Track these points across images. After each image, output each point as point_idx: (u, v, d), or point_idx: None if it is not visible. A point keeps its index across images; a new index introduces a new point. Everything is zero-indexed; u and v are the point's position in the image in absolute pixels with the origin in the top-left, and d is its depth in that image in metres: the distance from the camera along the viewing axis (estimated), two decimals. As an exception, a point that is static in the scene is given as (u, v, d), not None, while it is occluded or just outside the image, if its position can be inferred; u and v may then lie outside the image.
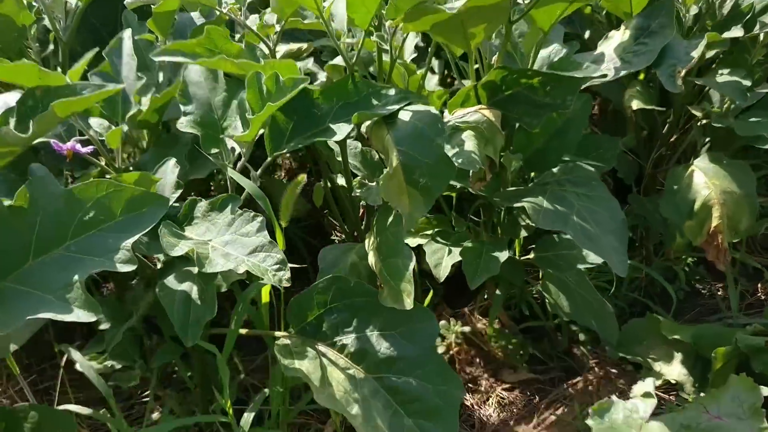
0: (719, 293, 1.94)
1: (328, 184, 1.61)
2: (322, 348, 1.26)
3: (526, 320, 1.87)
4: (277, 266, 1.10)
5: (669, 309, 1.89)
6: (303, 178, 1.20)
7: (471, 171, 1.38)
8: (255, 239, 1.12)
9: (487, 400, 1.75)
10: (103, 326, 1.55)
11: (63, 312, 0.97)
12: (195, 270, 1.17)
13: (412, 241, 1.66)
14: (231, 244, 1.13)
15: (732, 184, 1.59)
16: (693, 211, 1.58)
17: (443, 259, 1.53)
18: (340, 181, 1.58)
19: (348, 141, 1.41)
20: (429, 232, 1.63)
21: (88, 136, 1.21)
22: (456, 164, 1.25)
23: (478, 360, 1.83)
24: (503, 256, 1.47)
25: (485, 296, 1.92)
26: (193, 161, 1.44)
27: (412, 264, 1.17)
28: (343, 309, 1.27)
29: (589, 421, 1.00)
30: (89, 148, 1.20)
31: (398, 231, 1.21)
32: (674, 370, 1.73)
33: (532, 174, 1.54)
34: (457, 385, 1.22)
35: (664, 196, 1.63)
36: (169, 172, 1.27)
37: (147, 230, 1.01)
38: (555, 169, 1.46)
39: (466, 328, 1.80)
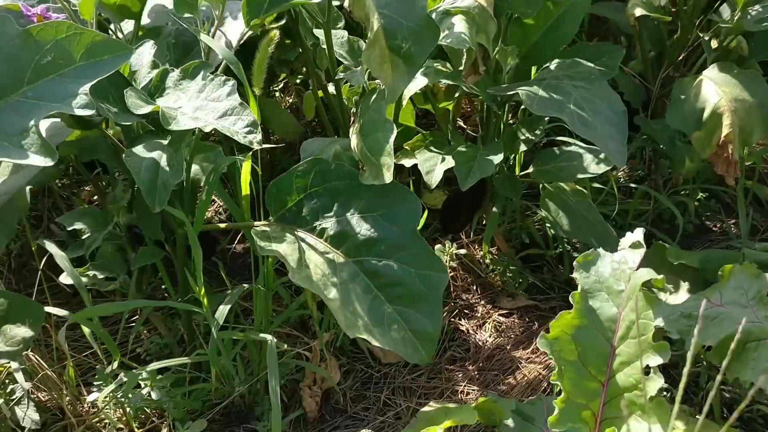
0: (731, 228, 1.86)
1: (319, 94, 1.55)
2: (301, 234, 1.20)
3: (527, 250, 1.79)
4: (248, 128, 1.04)
5: (675, 240, 1.80)
6: (275, 35, 1.13)
7: (464, 63, 1.31)
8: (225, 103, 1.06)
9: (483, 325, 1.68)
10: (86, 236, 1.50)
11: (19, 157, 0.92)
12: (165, 141, 1.11)
13: (408, 161, 1.60)
14: (201, 109, 1.07)
15: (743, 93, 1.51)
16: (701, 120, 1.50)
17: (436, 166, 1.47)
18: (331, 89, 1.52)
19: (334, 32, 1.35)
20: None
21: (60, 2, 1.16)
22: (445, 43, 1.18)
23: (474, 287, 1.76)
24: (498, 158, 1.40)
25: (483, 224, 1.85)
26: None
27: (393, 136, 1.11)
28: (324, 193, 1.21)
29: (575, 275, 0.92)
30: (60, 15, 1.15)
31: (380, 106, 1.15)
32: (681, 298, 1.65)
33: (532, 74, 1.47)
34: (441, 268, 1.15)
35: (670, 106, 1.55)
36: (146, 52, 1.22)
37: (106, 76, 0.96)
38: (552, 65, 1.39)
39: (462, 251, 1.73)
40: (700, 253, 1.66)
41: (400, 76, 1.10)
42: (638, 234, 0.96)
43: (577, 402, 0.91)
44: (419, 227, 1.61)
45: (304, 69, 1.76)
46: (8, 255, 1.89)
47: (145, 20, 1.42)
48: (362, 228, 1.17)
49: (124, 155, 1.08)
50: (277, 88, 2.15)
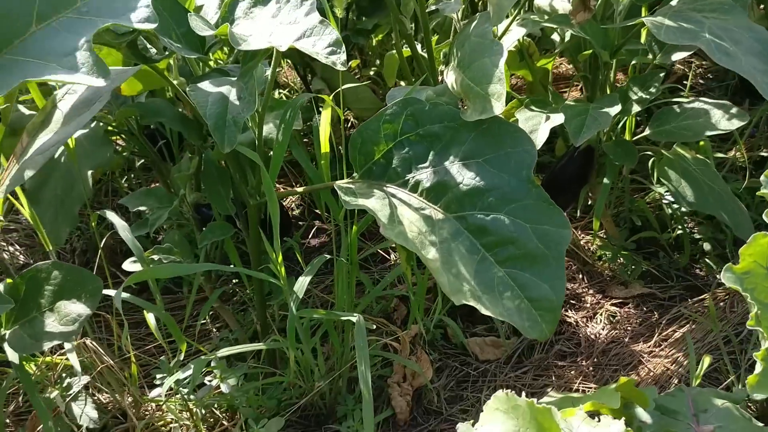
0: None
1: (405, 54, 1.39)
2: (391, 189, 1.02)
3: (639, 234, 1.57)
4: (330, 48, 0.88)
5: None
6: None
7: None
8: (303, 23, 0.91)
9: (594, 316, 1.46)
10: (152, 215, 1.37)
11: (67, 73, 0.78)
12: (234, 79, 0.96)
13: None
14: (276, 33, 0.92)
15: None
16: None
17: (540, 125, 1.28)
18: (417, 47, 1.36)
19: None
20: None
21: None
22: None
23: (580, 276, 1.54)
24: (614, 110, 1.21)
25: (588, 202, 1.64)
26: None
27: (503, 60, 0.93)
28: (417, 140, 1.03)
29: (765, 190, 0.71)
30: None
31: (484, 30, 0.97)
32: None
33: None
34: (563, 222, 0.95)
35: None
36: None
37: None
38: (674, 2, 1.19)
39: (566, 233, 1.52)
40: None
41: None
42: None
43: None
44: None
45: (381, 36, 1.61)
46: (72, 252, 1.77)
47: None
48: (465, 177, 0.98)
49: (188, 89, 0.93)
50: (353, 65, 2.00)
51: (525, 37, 1.42)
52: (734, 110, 1.29)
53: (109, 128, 1.44)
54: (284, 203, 1.85)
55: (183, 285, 1.57)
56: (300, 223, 1.81)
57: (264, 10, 0.97)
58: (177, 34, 0.99)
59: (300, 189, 1.15)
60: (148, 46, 1.06)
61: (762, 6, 1.55)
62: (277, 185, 1.90)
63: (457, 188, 0.98)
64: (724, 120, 1.29)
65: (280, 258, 1.04)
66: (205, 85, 0.94)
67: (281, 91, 2.23)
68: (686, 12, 1.13)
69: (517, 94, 1.44)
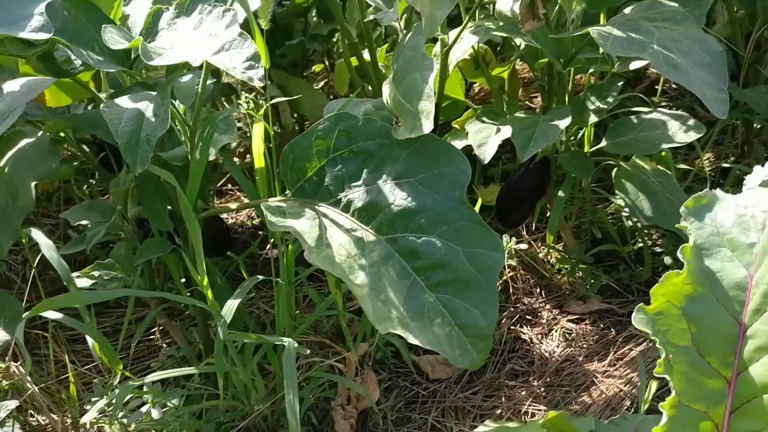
0: None
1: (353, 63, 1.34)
2: (323, 208, 0.98)
3: (599, 246, 1.53)
4: (248, 63, 0.83)
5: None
6: None
7: (520, 6, 1.08)
8: (223, 36, 0.86)
9: (549, 333, 1.41)
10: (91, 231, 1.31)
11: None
12: (155, 93, 0.91)
13: (458, 143, 1.37)
14: (195, 46, 0.87)
15: None
16: (812, 77, 1.24)
17: (490, 138, 1.23)
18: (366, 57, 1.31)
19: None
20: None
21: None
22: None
23: (538, 290, 1.50)
24: (564, 123, 1.16)
25: (548, 213, 1.59)
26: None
27: (433, 75, 0.88)
28: (350, 157, 0.98)
29: (684, 224, 0.67)
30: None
31: (417, 43, 0.93)
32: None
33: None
34: (496, 245, 0.91)
35: (772, 63, 1.28)
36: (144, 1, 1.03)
37: None
38: (627, 10, 1.14)
39: (523, 246, 1.48)
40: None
41: (440, 1, 0.88)
42: (772, 166, 0.70)
43: (691, 408, 0.65)
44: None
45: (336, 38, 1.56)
46: (24, 263, 1.72)
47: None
48: (397, 197, 0.94)
49: (102, 105, 0.88)
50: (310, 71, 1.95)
51: (481, 44, 1.38)
52: (691, 122, 1.25)
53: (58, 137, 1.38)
54: (242, 214, 1.80)
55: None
56: (260, 232, 1.76)
57: (187, 21, 0.92)
58: (100, 45, 0.94)
59: (233, 206, 1.10)
60: (73, 57, 1.01)
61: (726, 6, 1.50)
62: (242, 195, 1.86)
63: (389, 209, 0.94)
64: (680, 132, 1.25)
65: (206, 281, 0.99)
66: (123, 101, 0.89)
67: (248, 95, 2.18)
68: (638, 21, 1.09)
69: (473, 104, 1.39)
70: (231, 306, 1.01)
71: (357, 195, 0.96)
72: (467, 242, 0.91)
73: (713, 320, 0.61)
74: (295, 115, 1.75)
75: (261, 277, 1.09)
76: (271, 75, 1.70)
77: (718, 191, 0.68)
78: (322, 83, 2.14)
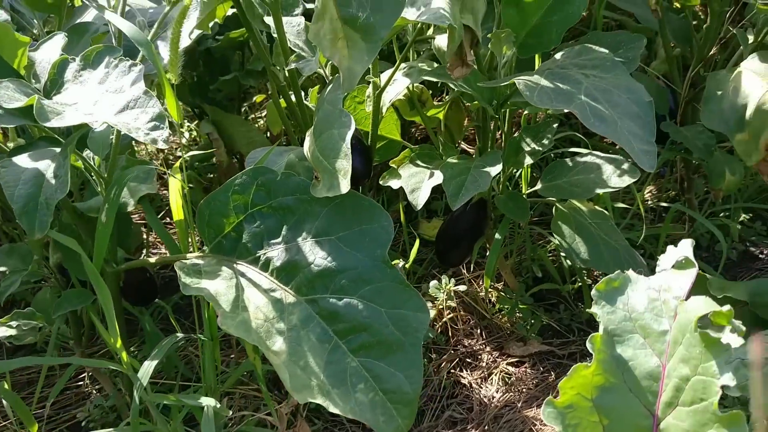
0: (782, 254, 1.57)
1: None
2: (241, 266, 0.94)
3: (540, 285, 1.51)
4: (152, 123, 0.78)
5: (717, 270, 1.51)
6: (190, 2, 0.88)
7: (446, 50, 1.06)
8: (128, 93, 0.81)
9: (489, 377, 1.39)
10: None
11: None
12: (59, 149, 0.86)
13: (395, 182, 1.34)
14: (100, 102, 0.82)
15: (793, 86, 1.24)
16: (744, 119, 1.23)
17: (422, 183, 1.21)
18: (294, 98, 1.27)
19: (289, 19, 1.11)
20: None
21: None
22: (417, 19, 0.93)
23: (478, 331, 1.47)
24: (495, 170, 1.14)
25: (487, 252, 1.57)
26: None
27: (350, 133, 0.85)
28: (269, 213, 0.94)
29: (594, 309, 0.64)
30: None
31: (335, 97, 0.89)
32: (726, 338, 1.36)
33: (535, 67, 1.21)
34: (419, 306, 0.88)
35: (705, 104, 1.28)
36: (53, 47, 0.98)
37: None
38: (558, 55, 1.13)
39: (462, 287, 1.45)
40: (749, 283, 1.37)
41: (358, 54, 0.85)
42: (685, 248, 0.68)
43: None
44: (411, 258, 1.35)
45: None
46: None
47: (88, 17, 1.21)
48: (317, 256, 0.90)
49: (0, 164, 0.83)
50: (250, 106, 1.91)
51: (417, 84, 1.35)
52: (626, 165, 1.23)
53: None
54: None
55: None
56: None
57: (93, 74, 0.87)
58: (0, 97, 0.89)
59: (152, 260, 1.05)
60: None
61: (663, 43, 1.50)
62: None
63: (309, 268, 0.90)
64: (615, 176, 1.23)
65: (119, 343, 0.94)
66: (22, 160, 0.84)
67: (190, 124, 2.13)
68: (568, 69, 1.07)
69: (410, 144, 1.36)
70: (147, 368, 0.96)
71: (276, 253, 0.92)
72: (390, 303, 0.88)
73: (626, 412, 0.59)
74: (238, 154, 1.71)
75: (180, 335, 1.04)
76: (206, 110, 1.66)
77: (631, 273, 0.66)
78: (265, 112, 2.10)
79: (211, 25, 1.18)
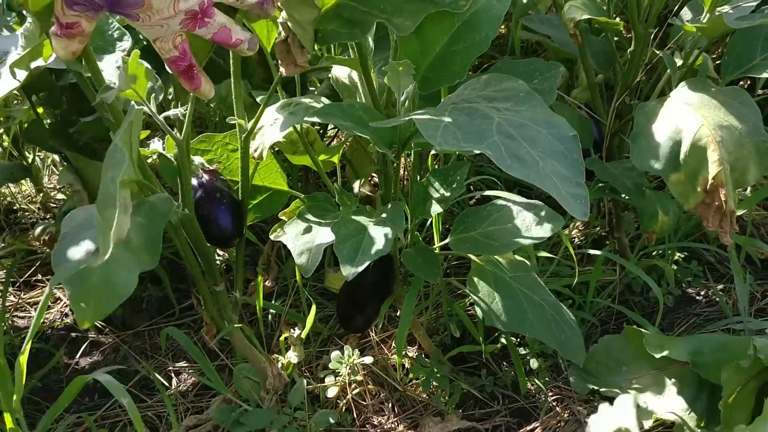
0: (721, 296, 1.42)
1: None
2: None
3: (459, 347, 1.32)
4: None
5: (653, 321, 1.36)
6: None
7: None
8: None
9: (403, 463, 1.18)
10: None
11: None
12: None
13: (286, 237, 1.13)
14: None
15: (729, 117, 1.09)
16: (678, 158, 1.08)
17: (312, 245, 1.00)
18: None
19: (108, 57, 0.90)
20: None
21: None
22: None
23: (389, 405, 1.27)
24: (395, 230, 0.95)
25: (398, 312, 1.38)
26: None
27: (121, 172, 0.63)
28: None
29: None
30: None
31: (118, 131, 0.68)
32: (668, 403, 1.20)
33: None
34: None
35: (634, 141, 1.12)
36: None
37: None
38: (462, 87, 0.94)
39: (368, 359, 1.25)
40: (689, 339, 1.22)
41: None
42: (624, 407, 0.48)
43: None
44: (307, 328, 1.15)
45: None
46: None
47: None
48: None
49: None
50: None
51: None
52: (544, 212, 1.06)
53: None
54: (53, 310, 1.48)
55: None
56: (73, 334, 1.46)
57: None
58: None
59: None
60: None
61: (584, 69, 1.35)
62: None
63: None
64: (535, 226, 1.06)
65: None
66: None
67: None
68: (475, 101, 0.89)
69: (299, 194, 1.16)
70: None
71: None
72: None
73: None
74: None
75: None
76: (68, 158, 1.42)
77: None
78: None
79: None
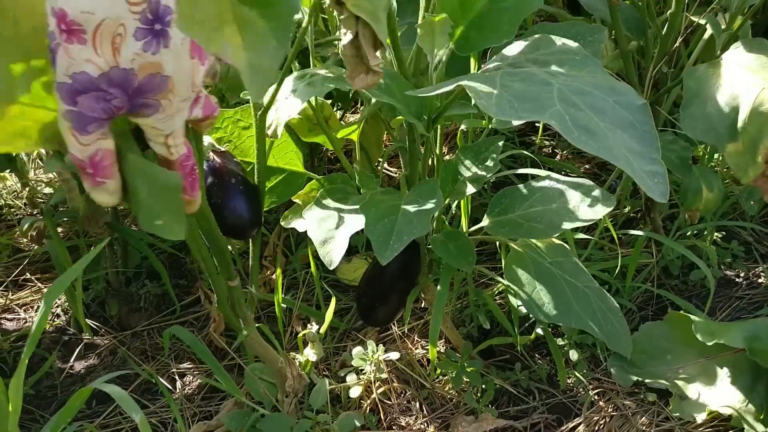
0: (763, 279, 1.33)
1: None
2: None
3: (489, 337, 1.22)
4: None
5: (694, 305, 1.27)
6: None
7: (343, 52, 0.75)
8: None
9: (436, 467, 1.08)
10: None
11: None
12: None
13: (302, 224, 1.03)
14: None
15: (792, 80, 0.99)
16: (736, 126, 0.98)
17: (336, 232, 0.89)
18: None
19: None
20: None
21: None
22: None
23: (417, 404, 1.17)
24: (434, 205, 0.84)
25: (422, 303, 1.28)
26: None
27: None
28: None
29: None
30: None
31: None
32: (722, 394, 1.11)
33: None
34: None
35: (684, 109, 1.02)
36: None
37: None
38: (508, 50, 0.84)
39: (394, 355, 1.14)
40: (744, 324, 1.13)
41: (260, 42, 0.53)
42: None
43: None
44: (327, 321, 1.05)
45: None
46: None
47: None
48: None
49: None
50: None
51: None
52: (597, 192, 0.96)
53: None
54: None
55: None
56: (64, 337, 1.35)
57: None
58: None
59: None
60: None
61: (617, 37, 1.25)
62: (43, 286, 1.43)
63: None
64: (584, 206, 0.95)
65: None
66: None
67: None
68: (526, 66, 0.78)
69: (315, 175, 1.05)
70: None
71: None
72: None
73: None
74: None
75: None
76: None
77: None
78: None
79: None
